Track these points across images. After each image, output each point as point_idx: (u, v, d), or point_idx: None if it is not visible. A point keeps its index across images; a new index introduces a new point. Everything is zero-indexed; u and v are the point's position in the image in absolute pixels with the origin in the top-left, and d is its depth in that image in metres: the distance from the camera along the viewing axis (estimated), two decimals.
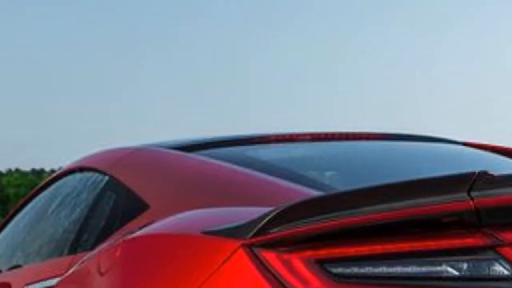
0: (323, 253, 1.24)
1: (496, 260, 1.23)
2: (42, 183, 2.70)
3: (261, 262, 1.26)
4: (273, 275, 1.24)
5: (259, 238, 1.27)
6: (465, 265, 1.23)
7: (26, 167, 55.02)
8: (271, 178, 1.78)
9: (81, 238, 2.11)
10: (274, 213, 1.28)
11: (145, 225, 1.68)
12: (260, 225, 1.28)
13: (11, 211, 2.86)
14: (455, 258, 1.23)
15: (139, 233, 1.63)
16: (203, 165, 1.94)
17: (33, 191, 2.73)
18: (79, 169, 2.39)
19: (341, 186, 1.81)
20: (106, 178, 2.16)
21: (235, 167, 1.87)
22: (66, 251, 2.16)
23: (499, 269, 1.23)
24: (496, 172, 1.26)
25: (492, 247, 1.24)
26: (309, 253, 1.25)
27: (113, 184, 2.10)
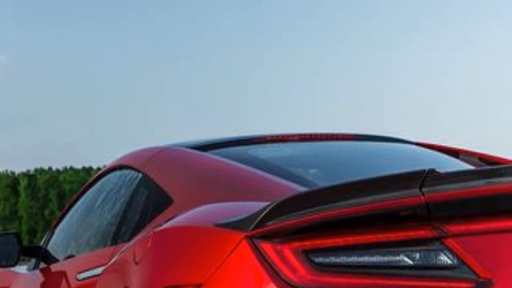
0: (307, 244, 1.39)
1: (442, 250, 1.36)
2: (90, 180, 2.96)
3: (260, 252, 1.43)
4: (269, 264, 1.41)
5: (258, 230, 1.44)
6: (417, 255, 1.36)
7: (78, 165, 57.12)
8: (267, 175, 2.02)
9: (121, 230, 2.37)
10: (268, 208, 1.43)
11: (170, 218, 1.90)
12: (258, 219, 1.44)
13: (66, 206, 3.11)
14: (410, 248, 1.37)
15: (164, 226, 1.85)
16: (214, 163, 2.21)
17: (83, 188, 3.00)
18: (119, 167, 2.66)
19: (321, 181, 2.07)
20: (140, 175, 2.42)
21: (239, 165, 2.14)
22: (109, 242, 2.41)
23: (444, 258, 1.36)
24: (442, 170, 1.40)
25: (438, 239, 1.36)
26: (297, 244, 1.40)
27: (145, 181, 2.37)
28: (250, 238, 1.46)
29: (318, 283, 1.36)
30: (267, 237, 1.43)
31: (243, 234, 1.48)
